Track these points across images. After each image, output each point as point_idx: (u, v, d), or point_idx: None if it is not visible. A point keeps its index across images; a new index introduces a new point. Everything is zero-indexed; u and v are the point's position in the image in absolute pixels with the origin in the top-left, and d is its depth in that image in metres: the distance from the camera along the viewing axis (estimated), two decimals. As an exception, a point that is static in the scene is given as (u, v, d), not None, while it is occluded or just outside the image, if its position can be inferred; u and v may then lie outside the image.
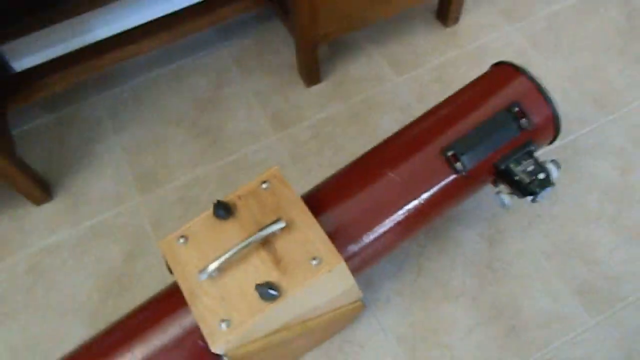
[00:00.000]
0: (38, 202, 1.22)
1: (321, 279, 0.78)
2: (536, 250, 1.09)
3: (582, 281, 1.05)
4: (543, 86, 0.90)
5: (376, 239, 0.89)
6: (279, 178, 0.86)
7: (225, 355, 0.79)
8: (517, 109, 0.88)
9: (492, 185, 0.97)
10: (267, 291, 0.75)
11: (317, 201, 0.88)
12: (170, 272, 0.92)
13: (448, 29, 1.41)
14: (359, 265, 0.89)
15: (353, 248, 0.87)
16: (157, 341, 0.83)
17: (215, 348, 0.76)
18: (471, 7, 1.44)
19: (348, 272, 0.81)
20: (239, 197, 0.85)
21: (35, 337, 1.07)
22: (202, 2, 1.31)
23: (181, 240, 0.83)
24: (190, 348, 0.82)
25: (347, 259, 0.86)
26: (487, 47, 1.37)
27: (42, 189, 1.20)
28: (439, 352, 1.00)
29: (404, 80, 1.34)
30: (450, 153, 0.87)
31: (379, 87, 1.33)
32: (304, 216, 0.82)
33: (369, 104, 1.31)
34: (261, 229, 0.79)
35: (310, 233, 0.80)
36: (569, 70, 1.32)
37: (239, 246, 0.78)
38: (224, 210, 0.82)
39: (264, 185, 0.85)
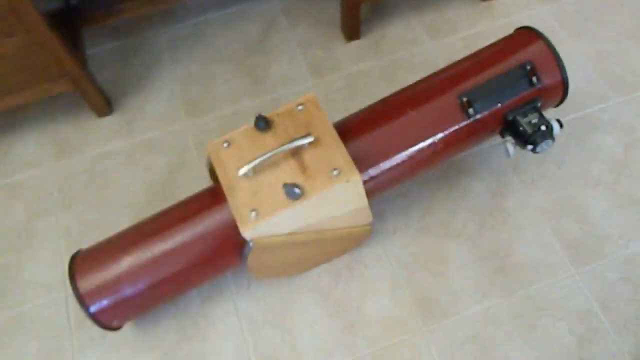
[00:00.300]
0: (100, 114, 1.39)
1: (339, 187, 0.92)
2: (535, 206, 1.20)
3: (573, 237, 1.16)
4: (557, 51, 1.01)
5: (391, 168, 1.02)
6: (314, 102, 0.99)
7: (252, 241, 0.94)
8: (529, 67, 0.99)
9: (500, 137, 1.08)
10: (293, 190, 0.89)
11: (345, 128, 1.02)
12: (212, 177, 1.08)
13: (484, 3, 1.51)
14: (373, 188, 1.03)
15: (370, 172, 1.01)
16: (197, 227, 0.99)
17: (244, 232, 0.91)
18: (509, -15, 1.54)
19: (362, 187, 0.95)
20: (277, 115, 0.99)
21: (87, 223, 1.25)
22: (261, -47, 1.45)
23: (225, 145, 0.98)
24: (224, 234, 0.97)
25: (364, 181, 1.00)
26: (517, 24, 1.47)
27: (105, 103, 1.37)
28: (433, 280, 1.13)
29: (435, 45, 1.46)
30: (465, 99, 0.99)
31: (412, 50, 1.45)
32: (330, 135, 0.96)
33: (401, 63, 1.43)
34: (293, 140, 0.93)
35: (334, 149, 0.94)
36: (592, 51, 1.41)
37: (273, 152, 0.92)
38: (263, 122, 0.96)
39: (299, 107, 0.99)
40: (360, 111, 1.06)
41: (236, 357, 1.08)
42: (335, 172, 0.92)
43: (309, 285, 1.15)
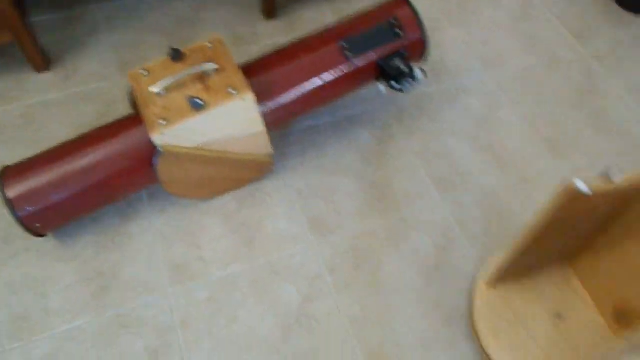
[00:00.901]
0: (39, 70, 1.55)
1: (235, 104, 1.12)
2: (412, 151, 1.44)
3: (440, 173, 1.40)
4: (418, 13, 1.27)
5: (286, 102, 1.23)
6: (221, 42, 1.20)
7: (161, 148, 1.12)
8: (394, 21, 1.24)
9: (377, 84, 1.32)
10: (196, 101, 1.08)
11: (248, 68, 1.23)
12: (133, 107, 1.25)
13: None
14: (273, 119, 1.23)
15: (269, 105, 1.21)
16: (115, 143, 1.16)
17: (154, 136, 1.09)
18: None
19: (255, 107, 1.15)
20: (190, 50, 1.19)
21: (20, 157, 1.38)
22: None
23: (144, 72, 1.17)
24: (138, 147, 1.15)
25: (264, 113, 1.20)
26: None
27: (43, 60, 1.53)
28: (324, 205, 1.34)
29: (341, 27, 1.71)
30: (344, 44, 1.23)
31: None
32: (232, 67, 1.16)
33: (310, 39, 1.67)
34: (199, 64, 1.13)
35: (234, 77, 1.15)
36: (467, 36, 1.70)
37: (182, 74, 1.12)
38: (176, 53, 1.16)
39: (209, 45, 1.20)
40: (261, 56, 1.28)
41: (149, 265, 1.23)
42: (233, 91, 1.12)
43: (217, 208, 1.33)
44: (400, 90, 1.26)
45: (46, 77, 1.56)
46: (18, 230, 1.27)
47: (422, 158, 1.43)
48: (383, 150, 1.44)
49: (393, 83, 1.24)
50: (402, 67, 1.23)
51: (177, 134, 1.11)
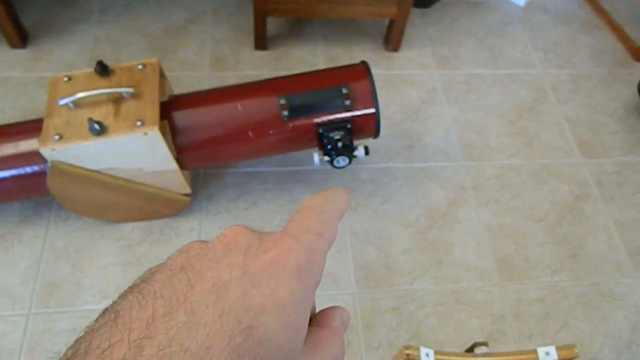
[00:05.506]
0: (13, 45, 1.53)
1: (137, 137, 1.03)
2: (346, 228, 1.30)
3: (367, 262, 1.25)
4: (375, 89, 1.13)
5: (207, 147, 1.13)
6: (154, 67, 1.12)
7: (51, 163, 1.04)
8: (346, 90, 1.11)
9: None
10: (94, 125, 1.00)
11: (177, 100, 1.14)
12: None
13: (386, 53, 1.67)
14: (188, 160, 1.14)
15: (185, 144, 1.12)
16: (18, 145, 1.09)
17: (42, 150, 1.01)
18: (414, 45, 1.69)
19: (163, 144, 1.05)
20: (119, 67, 1.12)
21: None
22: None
23: (65, 79, 1.10)
24: (33, 154, 1.08)
25: (181, 149, 1.11)
26: (407, 78, 1.61)
27: (19, 37, 1.51)
28: (229, 262, 1.22)
29: (330, 75, 1.59)
30: (282, 102, 1.11)
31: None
32: (152, 96, 1.07)
33: (292, 79, 1.57)
34: (113, 87, 1.05)
35: (149, 107, 1.06)
36: (461, 117, 1.54)
37: (93, 92, 1.04)
38: (101, 67, 1.09)
39: (140, 66, 1.12)
40: (196, 91, 1.18)
41: (24, 275, 1.16)
42: (139, 123, 1.03)
43: (120, 234, 1.24)
44: (331, 164, 1.13)
45: (18, 54, 1.53)
46: None
47: (353, 238, 1.28)
48: (318, 219, 1.31)
49: (326, 157, 1.11)
50: (341, 142, 1.10)
51: (69, 153, 1.03)
